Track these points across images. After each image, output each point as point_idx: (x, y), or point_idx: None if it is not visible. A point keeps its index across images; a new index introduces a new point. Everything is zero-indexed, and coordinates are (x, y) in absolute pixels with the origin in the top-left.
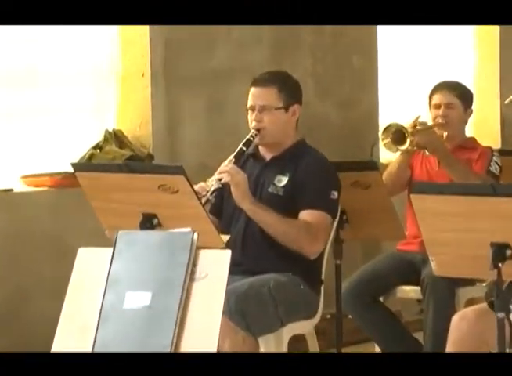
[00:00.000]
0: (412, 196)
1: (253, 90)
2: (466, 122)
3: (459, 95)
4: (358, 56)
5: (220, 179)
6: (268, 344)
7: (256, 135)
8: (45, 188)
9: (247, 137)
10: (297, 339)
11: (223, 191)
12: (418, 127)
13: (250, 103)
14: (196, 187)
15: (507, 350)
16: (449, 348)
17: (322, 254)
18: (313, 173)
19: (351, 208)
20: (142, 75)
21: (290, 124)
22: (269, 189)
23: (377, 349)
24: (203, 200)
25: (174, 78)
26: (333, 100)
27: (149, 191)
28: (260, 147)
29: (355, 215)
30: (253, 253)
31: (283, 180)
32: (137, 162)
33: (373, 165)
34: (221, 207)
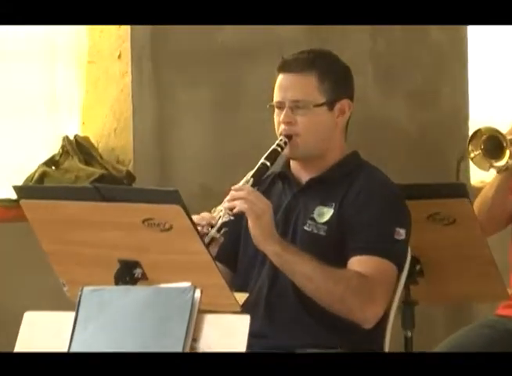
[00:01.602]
0: None
1: (281, 78)
2: None
3: None
4: (439, 29)
5: (232, 209)
6: None
7: (285, 144)
8: None
9: (273, 147)
10: None
11: (237, 227)
12: None
13: (276, 97)
14: (196, 219)
15: None
16: None
17: (383, 322)
18: (370, 202)
19: (428, 254)
20: (119, 57)
21: (336, 128)
22: (306, 227)
23: None
24: (207, 239)
25: (165, 61)
26: (402, 94)
27: (130, 228)
28: (292, 163)
29: (434, 265)
30: (282, 320)
31: (327, 213)
32: (111, 185)
33: (461, 190)
34: (234, 250)
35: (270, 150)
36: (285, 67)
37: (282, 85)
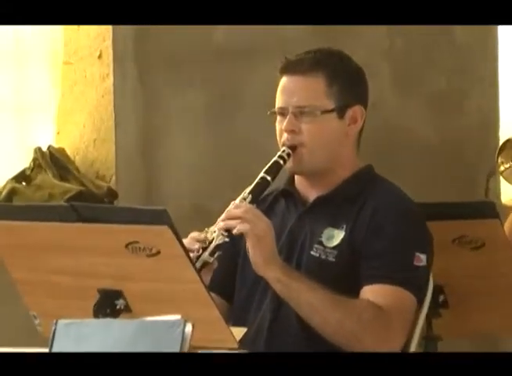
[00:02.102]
0: None
1: (284, 81)
2: None
3: None
4: (463, 27)
5: (227, 229)
6: None
7: (289, 156)
8: None
9: (274, 159)
10: None
11: (233, 250)
12: None
13: (279, 102)
14: (186, 242)
15: None
16: None
17: None
18: (386, 223)
19: (453, 283)
20: (99, 57)
21: (347, 139)
22: (313, 252)
23: None
24: (198, 264)
25: (152, 62)
26: (423, 99)
27: (111, 253)
28: (296, 179)
29: (460, 295)
30: None
31: (336, 236)
32: (90, 204)
33: (490, 209)
34: (230, 278)
35: (271, 162)
36: (288, 69)
37: (285, 89)
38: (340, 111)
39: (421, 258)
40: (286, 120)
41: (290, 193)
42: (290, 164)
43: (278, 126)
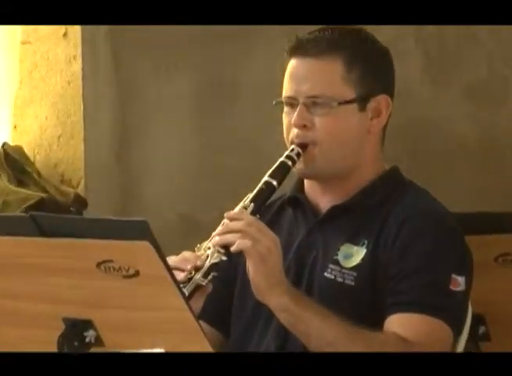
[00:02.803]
0: None
1: (294, 65)
2: None
3: None
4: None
5: (224, 246)
6: None
7: (298, 156)
8: None
9: (281, 160)
10: None
11: (230, 271)
12: None
13: (287, 90)
14: (172, 261)
15: None
16: None
17: None
18: (416, 239)
19: (496, 311)
20: (64, 35)
21: (369, 135)
22: (327, 274)
23: None
24: (189, 288)
25: (128, 42)
26: (460, 89)
27: (80, 274)
28: (307, 184)
29: (504, 325)
30: None
31: (356, 255)
32: (53, 214)
33: None
34: (226, 305)
35: (277, 163)
36: (299, 50)
37: (294, 74)
38: (362, 102)
39: (459, 282)
40: (296, 112)
41: (299, 201)
42: (299, 165)
43: (285, 119)
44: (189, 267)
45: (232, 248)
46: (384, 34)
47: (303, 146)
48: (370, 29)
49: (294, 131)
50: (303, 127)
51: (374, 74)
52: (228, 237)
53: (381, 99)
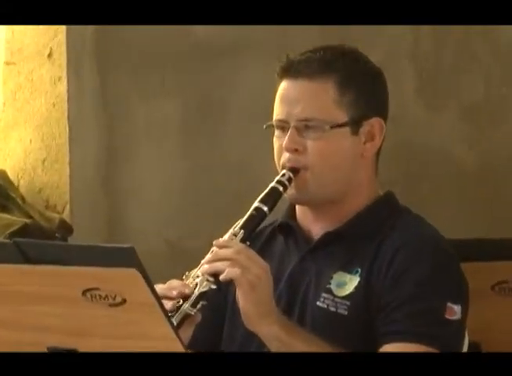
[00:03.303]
0: None
1: (285, 86)
2: None
3: None
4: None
5: (213, 274)
6: None
7: (290, 181)
8: None
9: (272, 185)
10: None
11: (219, 299)
12: None
13: (278, 113)
14: (161, 290)
15: None
16: None
17: None
18: (411, 266)
19: (493, 340)
20: (49, 56)
21: (362, 159)
22: (319, 303)
23: None
24: (178, 318)
25: (115, 63)
26: (456, 111)
27: (65, 302)
28: (299, 210)
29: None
30: None
31: (349, 283)
32: (38, 240)
33: None
34: (215, 334)
35: (268, 189)
36: (290, 71)
37: (286, 97)
38: (355, 125)
39: (454, 310)
40: (287, 136)
41: (290, 227)
42: (291, 191)
43: (276, 143)
44: (175, 293)
45: (221, 277)
46: (376, 53)
47: (294, 170)
48: (363, 49)
49: (286, 155)
50: (294, 151)
51: (367, 97)
52: (218, 265)
53: (374, 123)
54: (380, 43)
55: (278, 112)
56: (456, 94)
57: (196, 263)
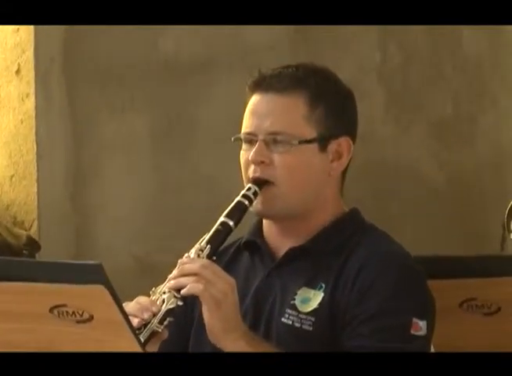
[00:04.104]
0: None
1: (256, 101)
2: None
3: None
4: (475, 33)
5: (179, 290)
6: None
7: (255, 195)
8: None
9: (238, 199)
10: None
11: (186, 315)
12: None
13: (247, 126)
14: (129, 307)
15: None
16: None
17: None
18: (376, 283)
19: None
20: (17, 72)
21: (329, 177)
22: (284, 319)
23: None
24: (145, 335)
25: (84, 79)
26: (424, 128)
27: (32, 318)
28: (265, 225)
29: None
30: None
31: (314, 299)
32: (5, 257)
33: (506, 265)
34: (181, 349)
35: (234, 203)
36: (262, 85)
37: (256, 110)
38: (323, 142)
39: (420, 326)
40: (255, 148)
41: (256, 245)
42: (256, 205)
43: (243, 157)
44: (146, 316)
45: (183, 291)
46: (345, 70)
47: (260, 182)
48: (332, 66)
49: (252, 168)
50: (261, 163)
51: (337, 116)
52: (183, 281)
53: (342, 142)
54: (348, 60)
55: (247, 125)
56: (425, 111)
57: (164, 278)
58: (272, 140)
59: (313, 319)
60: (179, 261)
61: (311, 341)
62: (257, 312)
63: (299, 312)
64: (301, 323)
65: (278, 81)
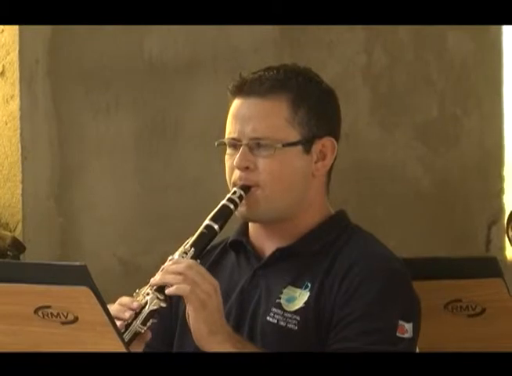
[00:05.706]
0: None
1: (238, 105)
2: None
3: None
4: (460, 36)
5: (163, 291)
6: None
7: (241, 199)
8: None
9: (223, 203)
10: None
11: (170, 316)
12: None
13: (230, 131)
14: (113, 308)
15: None
16: None
17: None
18: (363, 284)
19: None
20: (1, 74)
21: (314, 179)
22: (269, 318)
23: None
24: (128, 336)
25: (69, 81)
26: (409, 129)
27: (17, 320)
28: (251, 228)
29: None
30: None
31: (299, 298)
32: None
33: (491, 266)
34: (165, 350)
35: (219, 206)
36: (243, 89)
37: (238, 115)
38: (306, 144)
39: (406, 328)
40: (239, 153)
41: (241, 245)
42: (242, 208)
43: (228, 161)
44: (127, 315)
45: (170, 290)
46: (330, 73)
47: (245, 188)
48: (316, 69)
49: (237, 173)
50: (245, 169)
51: (319, 117)
52: (167, 278)
53: (326, 142)
54: (334, 62)
55: (230, 130)
56: (410, 113)
57: (146, 280)
58: (256, 145)
59: (298, 318)
60: (162, 266)
61: (296, 340)
62: (242, 311)
63: (284, 310)
64: (286, 322)
65: (259, 85)
